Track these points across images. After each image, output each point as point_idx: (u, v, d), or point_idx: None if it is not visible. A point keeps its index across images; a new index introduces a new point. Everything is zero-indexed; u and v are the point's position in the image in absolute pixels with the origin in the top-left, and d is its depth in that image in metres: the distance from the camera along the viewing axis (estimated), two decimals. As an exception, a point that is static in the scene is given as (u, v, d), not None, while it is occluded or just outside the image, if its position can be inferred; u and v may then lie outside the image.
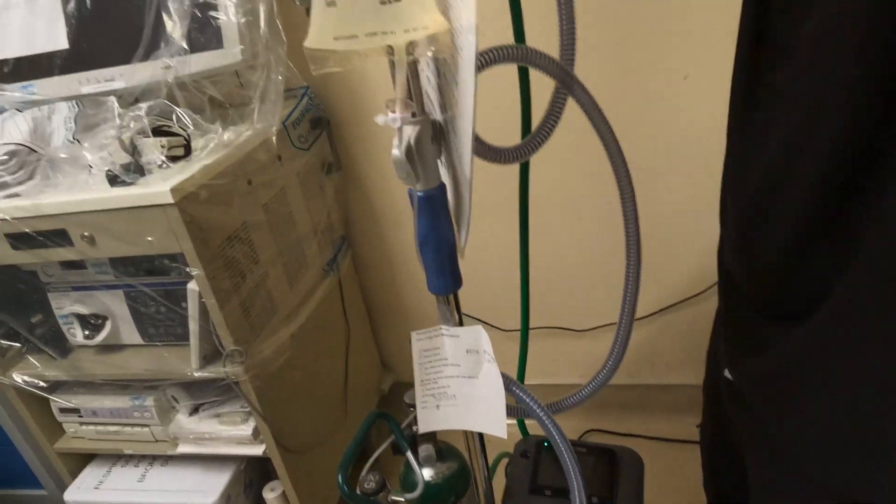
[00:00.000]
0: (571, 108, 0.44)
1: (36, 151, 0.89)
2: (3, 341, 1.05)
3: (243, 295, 0.93)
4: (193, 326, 0.91)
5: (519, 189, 0.66)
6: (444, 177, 0.50)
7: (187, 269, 0.85)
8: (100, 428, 1.13)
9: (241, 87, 0.99)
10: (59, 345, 1.07)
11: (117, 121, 0.89)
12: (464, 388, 0.57)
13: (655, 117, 1.12)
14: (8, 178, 0.88)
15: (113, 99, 0.92)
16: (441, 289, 0.52)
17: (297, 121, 1.12)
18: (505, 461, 0.97)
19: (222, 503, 1.09)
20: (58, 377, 1.05)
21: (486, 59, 0.38)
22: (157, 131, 0.86)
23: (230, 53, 0.91)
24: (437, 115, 0.46)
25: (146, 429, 1.09)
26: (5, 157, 0.88)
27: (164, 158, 0.84)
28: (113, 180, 0.83)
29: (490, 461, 0.80)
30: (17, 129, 0.91)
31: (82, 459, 1.21)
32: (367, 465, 0.66)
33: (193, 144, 0.88)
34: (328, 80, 1.22)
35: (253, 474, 1.18)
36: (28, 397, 1.09)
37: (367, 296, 1.50)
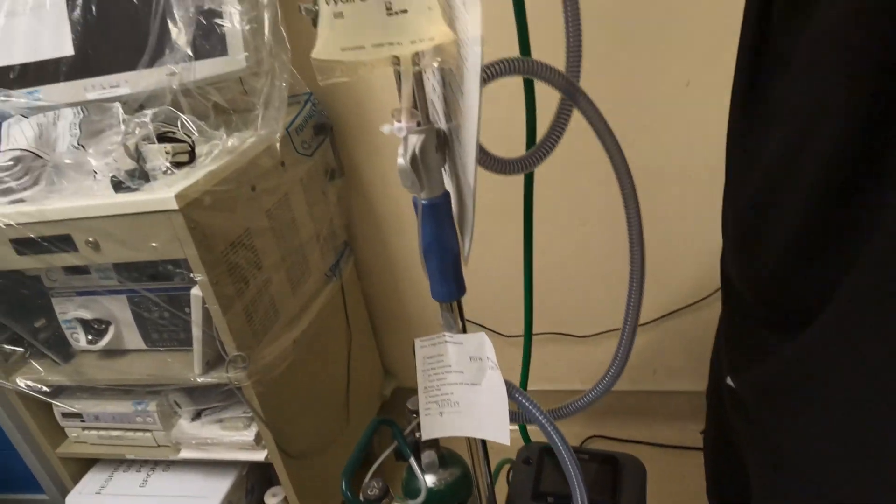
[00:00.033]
0: (574, 113, 0.44)
1: (41, 157, 0.90)
2: (6, 346, 1.05)
3: (246, 300, 0.94)
4: (197, 332, 0.91)
5: (524, 197, 0.66)
6: (448, 185, 0.51)
7: (191, 275, 0.85)
8: (102, 433, 1.13)
9: (245, 94, 1.00)
10: (62, 350, 1.07)
11: (122, 127, 0.89)
12: (467, 395, 0.57)
13: (657, 124, 1.13)
14: (13, 184, 0.88)
15: (118, 105, 0.93)
16: (445, 296, 0.52)
17: (301, 127, 1.12)
18: (507, 467, 0.97)
19: (224, 509, 1.09)
20: (61, 382, 1.05)
21: (492, 72, 0.38)
22: (162, 137, 0.87)
23: (235, 60, 0.91)
24: (442, 124, 0.47)
25: (148, 434, 1.10)
26: (10, 163, 0.88)
27: (168, 165, 0.84)
28: (118, 186, 0.83)
29: (492, 467, 0.80)
30: (22, 134, 0.92)
31: (84, 464, 1.21)
32: (371, 471, 0.67)
33: (198, 150, 0.89)
34: (332, 86, 1.23)
35: (254, 480, 1.18)
36: (31, 402, 1.10)
37: (369, 301, 1.50)
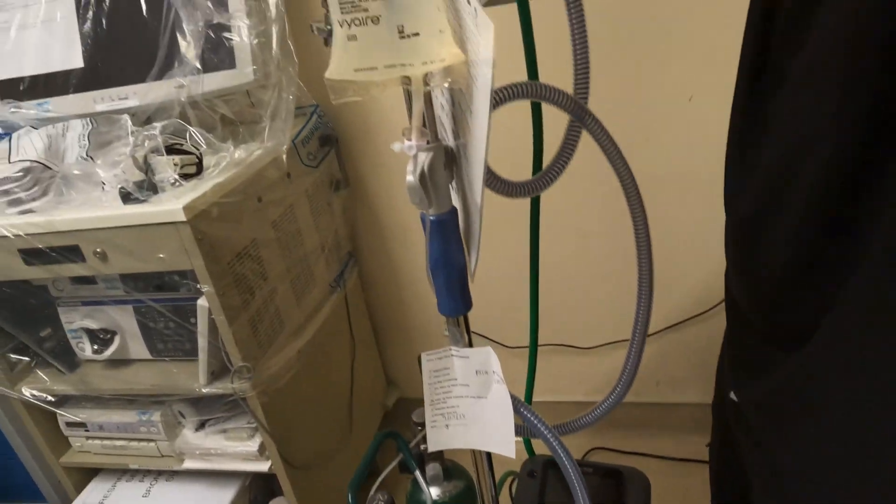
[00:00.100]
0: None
1: (50, 168, 0.91)
2: (12, 355, 1.06)
3: (252, 311, 0.94)
4: (202, 342, 0.92)
5: (530, 210, 0.67)
6: (455, 201, 0.51)
7: (198, 286, 0.86)
8: (106, 442, 1.13)
9: (253, 106, 1.01)
10: (67, 359, 1.07)
11: (130, 138, 0.90)
12: (473, 408, 0.58)
13: (661, 138, 1.14)
14: (22, 195, 0.89)
15: (126, 117, 0.94)
16: (452, 311, 0.53)
17: (307, 139, 1.13)
18: (510, 479, 0.97)
19: (227, 519, 1.09)
20: (66, 391, 1.05)
21: (502, 97, 0.39)
22: (170, 149, 0.87)
23: (243, 73, 0.92)
24: (450, 142, 0.47)
25: (152, 444, 1.10)
26: (20, 174, 0.89)
27: (176, 176, 0.85)
28: (126, 197, 0.84)
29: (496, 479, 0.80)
30: (31, 146, 0.93)
31: (87, 474, 1.21)
32: (376, 484, 0.67)
33: (205, 162, 0.90)
34: (337, 98, 1.24)
35: (257, 490, 1.18)
36: (35, 411, 1.10)
37: (373, 312, 1.51)
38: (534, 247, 0.75)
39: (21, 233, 0.86)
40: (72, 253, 0.87)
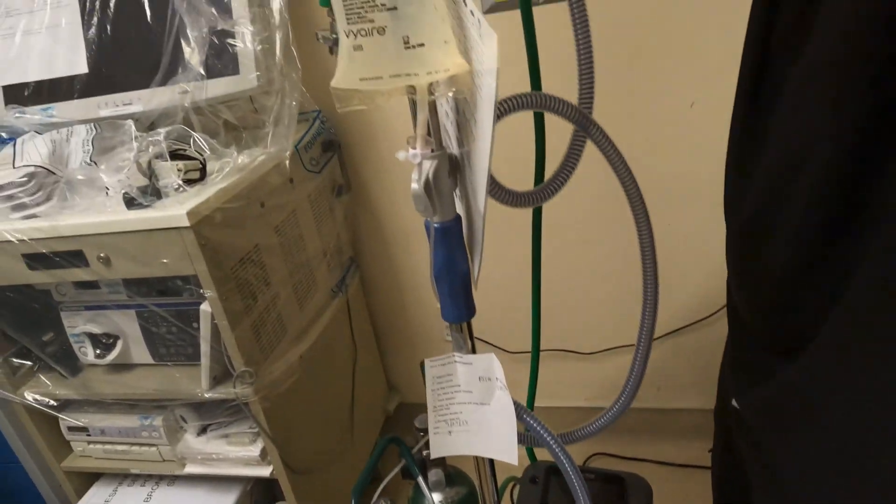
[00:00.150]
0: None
1: (54, 173, 0.91)
2: (15, 359, 1.06)
3: (254, 316, 0.94)
4: (205, 347, 0.92)
5: (532, 216, 0.67)
6: (458, 208, 0.52)
7: (201, 291, 0.86)
8: (107, 447, 1.13)
9: (256, 112, 1.02)
10: (69, 363, 1.08)
11: (134, 144, 0.91)
12: (476, 415, 0.58)
13: (662, 144, 1.14)
14: (26, 200, 0.89)
15: (130, 122, 0.94)
16: (455, 318, 0.53)
17: (310, 144, 1.14)
18: (512, 485, 0.97)
19: (228, 524, 1.09)
20: (68, 396, 1.06)
21: (507, 108, 0.39)
22: (174, 155, 0.88)
23: (246, 79, 0.93)
24: (454, 149, 0.48)
25: (154, 448, 1.10)
26: (24, 179, 0.90)
27: (180, 182, 0.85)
28: (130, 203, 0.84)
29: (498, 485, 0.80)
30: (36, 151, 0.93)
31: (89, 478, 1.21)
32: (379, 489, 0.67)
33: (209, 168, 0.90)
34: (340, 104, 1.24)
35: (258, 495, 1.18)
36: (37, 415, 1.10)
37: (374, 317, 1.51)
38: (536, 252, 0.76)
39: (25, 237, 0.86)
40: (75, 258, 0.87)
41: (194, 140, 0.91)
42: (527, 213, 0.67)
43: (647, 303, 0.50)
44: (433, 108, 0.44)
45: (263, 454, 1.04)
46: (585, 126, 0.41)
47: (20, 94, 1.02)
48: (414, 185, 0.44)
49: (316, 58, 1.06)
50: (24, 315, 1.05)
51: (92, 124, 0.96)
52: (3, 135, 1.03)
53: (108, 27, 0.98)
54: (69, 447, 1.17)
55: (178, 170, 0.86)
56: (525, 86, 0.59)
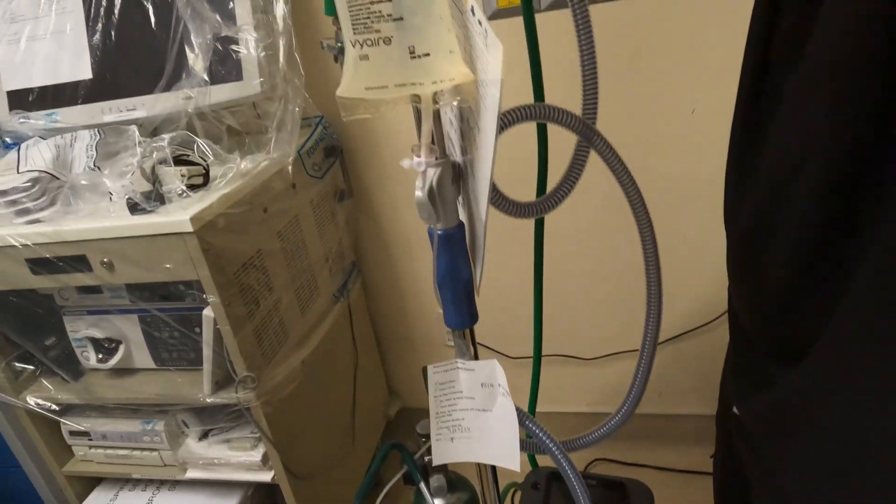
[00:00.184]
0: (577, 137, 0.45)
1: (58, 178, 0.92)
2: (17, 364, 1.06)
3: (257, 321, 0.95)
4: (207, 352, 0.92)
5: (534, 225, 0.67)
6: (461, 214, 0.52)
7: (203, 296, 0.86)
8: (109, 451, 1.13)
9: (259, 117, 1.02)
10: (71, 368, 1.08)
11: (138, 149, 0.91)
12: (478, 421, 0.58)
13: (664, 150, 1.15)
14: (30, 205, 0.90)
15: (134, 128, 0.95)
16: (458, 324, 0.53)
17: (312, 149, 1.14)
18: (513, 491, 0.97)
19: (229, 529, 1.09)
20: (70, 400, 1.06)
21: (511, 119, 0.39)
22: (178, 160, 0.88)
23: (250, 85, 0.93)
24: (458, 157, 0.48)
25: (155, 453, 1.10)
26: (28, 184, 0.90)
27: (184, 187, 0.86)
28: (133, 208, 0.85)
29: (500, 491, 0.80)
30: (40, 156, 0.93)
31: (90, 483, 1.21)
32: (381, 496, 0.67)
33: (212, 173, 0.90)
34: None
35: (260, 500, 1.18)
36: (38, 419, 1.10)
37: (376, 321, 1.51)
38: (538, 257, 0.76)
39: (29, 242, 0.86)
40: (79, 263, 0.88)
41: (198, 146, 0.91)
42: (532, 222, 0.67)
43: (650, 311, 0.50)
44: (437, 116, 0.44)
45: (265, 459, 1.04)
46: (589, 137, 0.41)
47: (24, 100, 1.03)
48: (418, 193, 0.44)
49: (319, 64, 1.07)
50: (26, 319, 1.05)
51: (96, 129, 0.97)
52: (8, 140, 1.03)
53: (113, 33, 0.98)
54: (70, 451, 1.17)
55: (182, 175, 0.86)
56: (527, 89, 0.59)
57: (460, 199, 0.50)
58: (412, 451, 0.72)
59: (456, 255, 0.49)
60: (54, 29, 1.01)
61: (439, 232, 0.48)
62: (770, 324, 0.51)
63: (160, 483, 1.19)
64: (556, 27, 1.04)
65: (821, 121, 0.39)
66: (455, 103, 0.40)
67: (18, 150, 0.95)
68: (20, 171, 0.91)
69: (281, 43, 0.94)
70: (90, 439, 1.12)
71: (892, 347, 0.37)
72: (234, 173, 0.91)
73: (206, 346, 0.92)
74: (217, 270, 0.85)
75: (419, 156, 0.42)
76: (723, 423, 0.75)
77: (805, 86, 0.41)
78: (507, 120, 0.39)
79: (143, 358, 1.05)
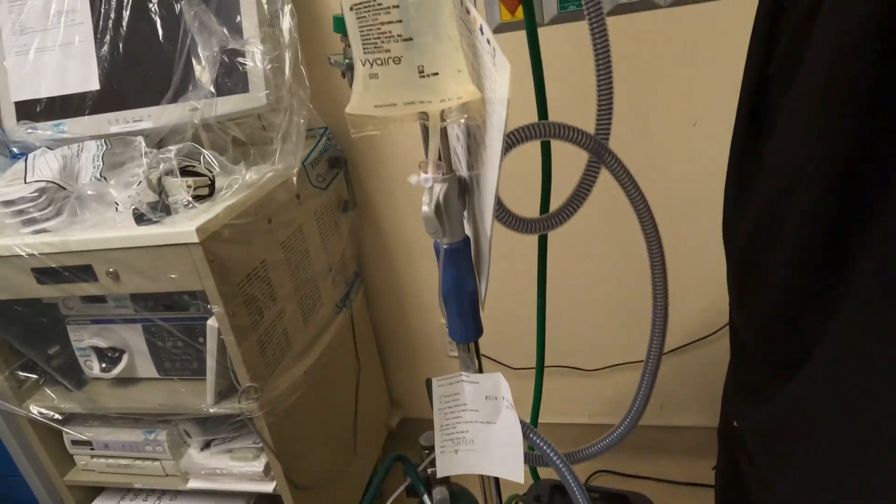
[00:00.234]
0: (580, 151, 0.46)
1: (65, 189, 0.92)
2: (20, 373, 1.06)
3: (260, 331, 0.95)
4: (211, 362, 0.92)
5: (538, 238, 0.68)
6: (467, 228, 0.52)
7: (207, 306, 0.86)
8: (111, 461, 1.13)
9: (264, 129, 1.03)
10: (75, 377, 1.08)
11: (144, 160, 0.92)
12: (482, 434, 0.58)
13: (665, 163, 1.15)
14: (37, 215, 0.90)
15: (140, 139, 0.96)
16: (463, 337, 0.53)
17: (316, 160, 1.15)
18: (515, 503, 0.96)
19: (230, 540, 1.09)
20: (73, 409, 1.06)
21: (519, 137, 0.40)
22: (184, 171, 0.89)
23: (255, 97, 0.94)
24: (464, 172, 0.49)
25: (157, 463, 1.10)
26: (35, 194, 0.91)
27: (189, 198, 0.86)
28: (139, 218, 0.85)
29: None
30: (47, 166, 0.94)
31: (91, 492, 1.21)
32: (384, 507, 0.67)
33: (217, 184, 0.91)
34: (346, 120, 1.26)
35: (260, 511, 1.18)
36: (41, 428, 1.10)
37: (378, 332, 1.51)
38: (541, 269, 0.76)
39: (35, 252, 0.87)
40: (84, 272, 0.88)
41: (204, 157, 0.92)
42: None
43: (655, 323, 0.51)
44: (444, 132, 0.45)
45: (267, 469, 1.04)
46: (601, 154, 0.42)
47: (32, 110, 1.04)
48: (425, 209, 0.45)
49: (324, 75, 1.08)
50: (30, 328, 1.05)
51: (102, 140, 0.98)
52: (15, 150, 1.04)
53: (121, 45, 0.99)
54: (72, 461, 1.17)
55: (188, 186, 0.87)
56: (529, 102, 0.60)
57: (466, 213, 0.51)
58: (414, 462, 0.73)
59: (461, 268, 0.50)
60: (63, 41, 1.02)
61: (445, 246, 0.49)
62: (768, 340, 0.51)
63: (162, 493, 1.18)
64: (557, 41, 1.05)
65: (812, 143, 0.40)
66: (462, 121, 0.40)
67: (26, 160, 0.96)
68: (27, 181, 0.92)
69: (287, 56, 0.95)
70: (92, 448, 1.12)
71: (882, 362, 0.38)
72: (239, 184, 0.92)
73: (209, 357, 0.92)
74: (222, 281, 0.85)
75: (426, 172, 0.43)
76: (725, 435, 0.75)
77: (797, 110, 0.42)
78: (517, 138, 0.40)
79: (146, 367, 1.05)
